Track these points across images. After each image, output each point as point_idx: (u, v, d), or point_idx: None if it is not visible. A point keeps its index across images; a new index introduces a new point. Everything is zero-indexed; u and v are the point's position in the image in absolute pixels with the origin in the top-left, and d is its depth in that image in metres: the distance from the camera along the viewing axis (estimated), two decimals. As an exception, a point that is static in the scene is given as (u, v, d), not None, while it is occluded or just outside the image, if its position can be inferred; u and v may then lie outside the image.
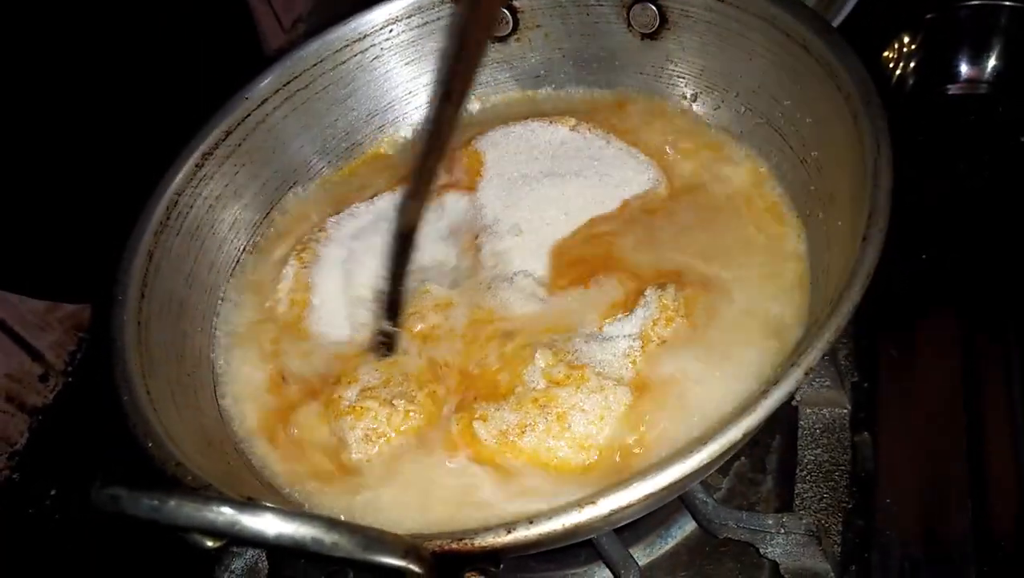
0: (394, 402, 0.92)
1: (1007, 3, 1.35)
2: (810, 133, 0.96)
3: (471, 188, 1.12)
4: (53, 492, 1.23)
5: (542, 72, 1.22)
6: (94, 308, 1.32)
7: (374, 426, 0.91)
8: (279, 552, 0.57)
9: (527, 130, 1.14)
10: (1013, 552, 0.90)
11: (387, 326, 0.97)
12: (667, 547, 1.00)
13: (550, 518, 0.65)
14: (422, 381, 0.94)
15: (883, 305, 1.06)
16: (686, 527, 1.00)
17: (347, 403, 0.93)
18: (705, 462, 0.65)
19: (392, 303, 0.97)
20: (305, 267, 1.07)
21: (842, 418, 1.03)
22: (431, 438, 0.91)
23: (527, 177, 1.10)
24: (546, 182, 1.08)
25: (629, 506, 0.65)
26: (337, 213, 1.13)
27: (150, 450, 0.78)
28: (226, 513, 0.56)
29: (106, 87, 1.24)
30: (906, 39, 1.42)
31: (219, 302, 1.07)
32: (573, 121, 1.14)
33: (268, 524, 0.56)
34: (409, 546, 0.63)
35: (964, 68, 1.39)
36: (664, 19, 1.08)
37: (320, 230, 1.11)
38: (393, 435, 0.91)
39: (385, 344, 0.98)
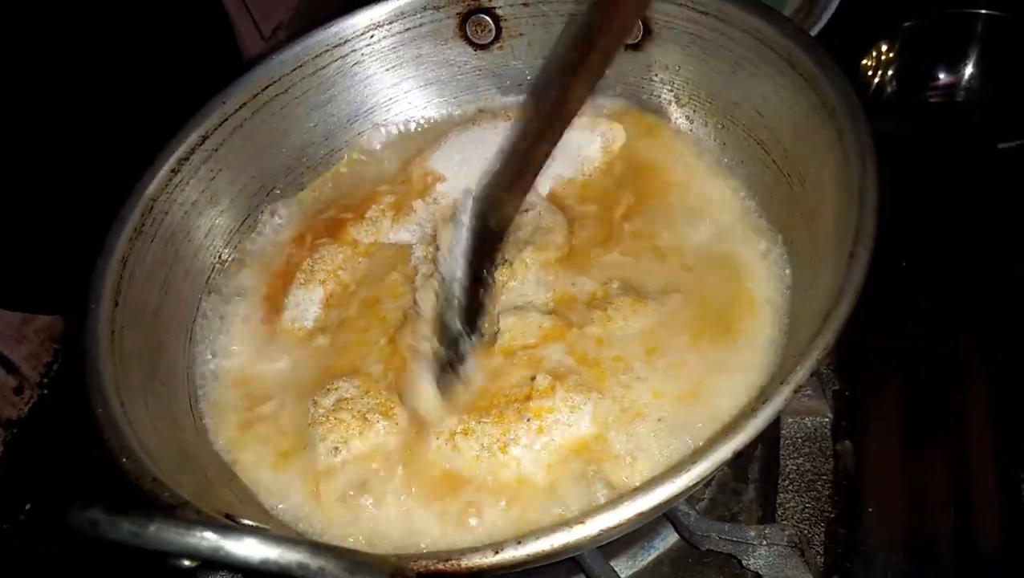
0: (367, 417, 0.91)
1: (983, 11, 1.37)
2: (793, 147, 0.96)
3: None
4: (28, 506, 1.21)
5: (525, 81, 1.22)
6: (67, 318, 1.30)
7: (344, 439, 0.90)
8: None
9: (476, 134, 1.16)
10: (995, 560, 0.91)
11: (464, 340, 0.89)
12: (649, 559, 0.99)
13: (538, 538, 0.65)
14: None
15: (863, 313, 1.06)
16: (668, 539, 1.00)
17: (322, 412, 0.92)
18: (695, 481, 0.65)
19: (470, 311, 0.89)
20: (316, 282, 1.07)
21: (824, 427, 1.03)
22: (405, 454, 0.90)
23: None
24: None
25: (619, 526, 0.65)
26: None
27: (125, 465, 0.77)
28: (209, 538, 0.54)
29: (80, 93, 1.22)
30: (884, 47, 1.43)
31: (195, 311, 1.05)
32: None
33: (253, 550, 0.55)
34: (395, 569, 0.62)
35: (942, 76, 1.40)
36: (648, 29, 1.08)
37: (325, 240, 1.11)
38: (364, 450, 0.90)
39: (453, 360, 0.89)
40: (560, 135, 0.81)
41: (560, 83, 0.80)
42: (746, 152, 1.04)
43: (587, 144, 1.11)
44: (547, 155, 0.83)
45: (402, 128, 1.24)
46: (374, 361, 0.97)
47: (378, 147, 1.23)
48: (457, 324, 0.90)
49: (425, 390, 0.90)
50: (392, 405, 0.92)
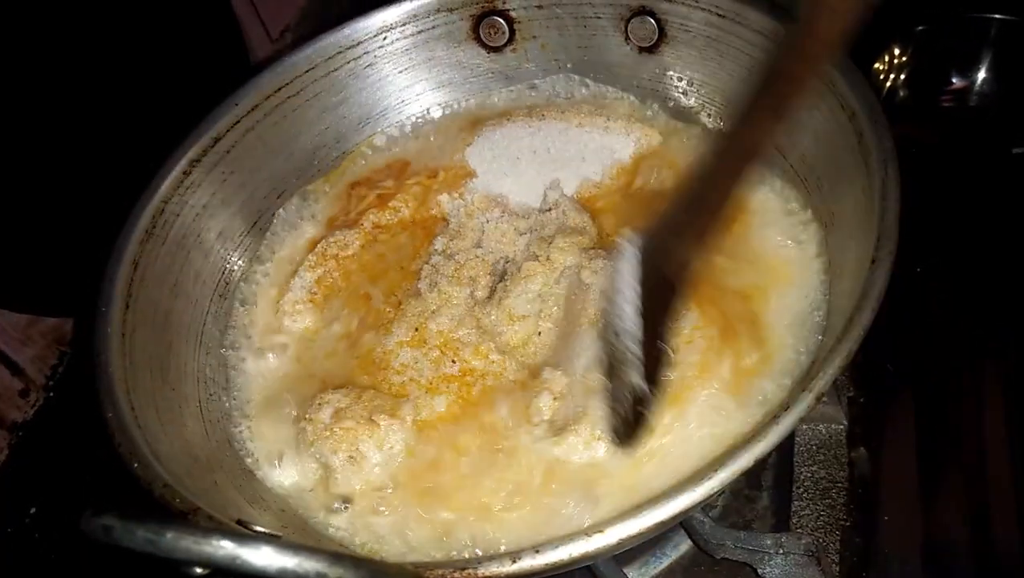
0: (374, 418, 0.89)
1: (997, 16, 1.36)
2: (811, 151, 0.95)
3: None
4: (33, 510, 1.20)
5: (537, 83, 1.21)
6: (77, 320, 1.29)
7: (356, 446, 0.88)
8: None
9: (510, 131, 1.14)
10: (1015, 567, 0.90)
11: (645, 395, 0.79)
12: (662, 567, 0.98)
13: (556, 547, 0.64)
14: (402, 394, 0.93)
15: (878, 318, 1.05)
16: (681, 546, 0.99)
17: (321, 427, 0.89)
18: (716, 489, 0.64)
19: (652, 364, 0.79)
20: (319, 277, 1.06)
21: (838, 434, 1.02)
22: (422, 451, 0.89)
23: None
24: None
25: (639, 534, 0.64)
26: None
27: (136, 471, 0.76)
28: (226, 547, 0.53)
29: (90, 95, 1.21)
30: (897, 51, 1.42)
31: (205, 314, 1.04)
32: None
33: (270, 558, 0.54)
34: (413, 577, 0.61)
35: (955, 80, 1.39)
36: (663, 32, 1.07)
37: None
38: (379, 454, 0.88)
39: (636, 419, 0.80)
40: (744, 173, 0.73)
41: (743, 119, 0.73)
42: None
43: (621, 148, 1.09)
44: (727, 196, 0.74)
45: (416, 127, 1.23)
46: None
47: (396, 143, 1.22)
48: (636, 380, 0.80)
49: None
50: (396, 406, 0.91)
